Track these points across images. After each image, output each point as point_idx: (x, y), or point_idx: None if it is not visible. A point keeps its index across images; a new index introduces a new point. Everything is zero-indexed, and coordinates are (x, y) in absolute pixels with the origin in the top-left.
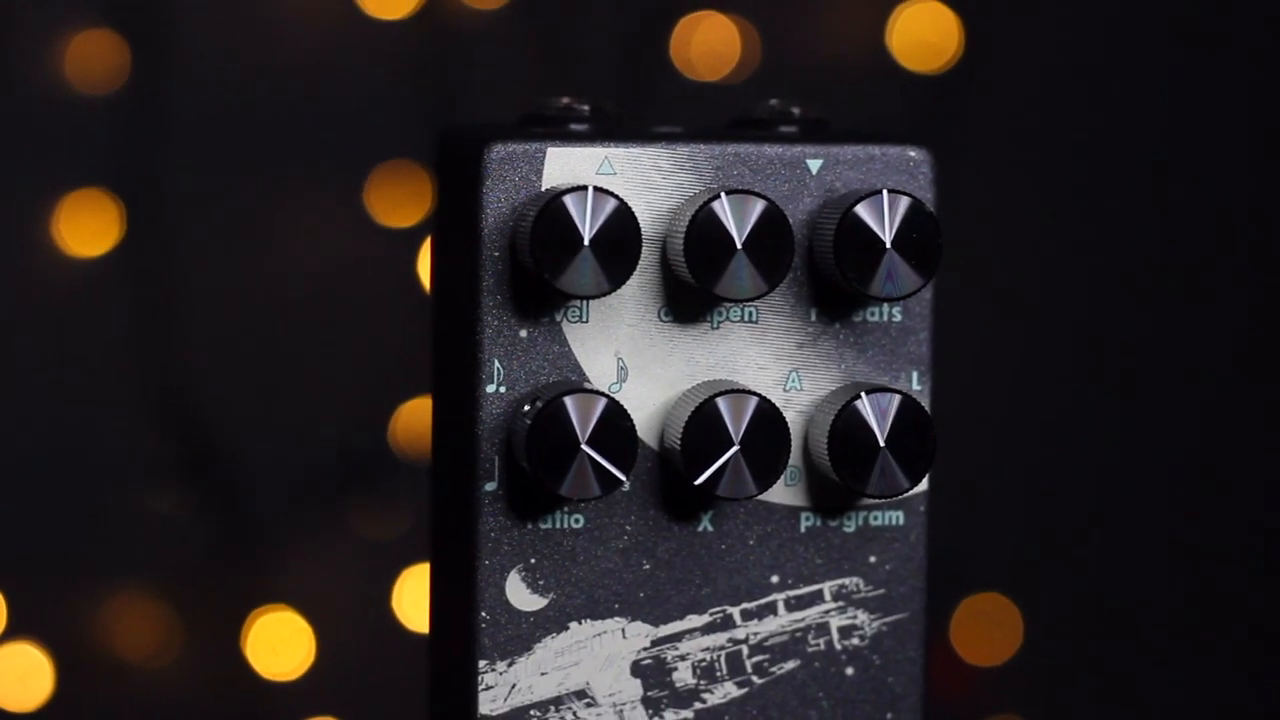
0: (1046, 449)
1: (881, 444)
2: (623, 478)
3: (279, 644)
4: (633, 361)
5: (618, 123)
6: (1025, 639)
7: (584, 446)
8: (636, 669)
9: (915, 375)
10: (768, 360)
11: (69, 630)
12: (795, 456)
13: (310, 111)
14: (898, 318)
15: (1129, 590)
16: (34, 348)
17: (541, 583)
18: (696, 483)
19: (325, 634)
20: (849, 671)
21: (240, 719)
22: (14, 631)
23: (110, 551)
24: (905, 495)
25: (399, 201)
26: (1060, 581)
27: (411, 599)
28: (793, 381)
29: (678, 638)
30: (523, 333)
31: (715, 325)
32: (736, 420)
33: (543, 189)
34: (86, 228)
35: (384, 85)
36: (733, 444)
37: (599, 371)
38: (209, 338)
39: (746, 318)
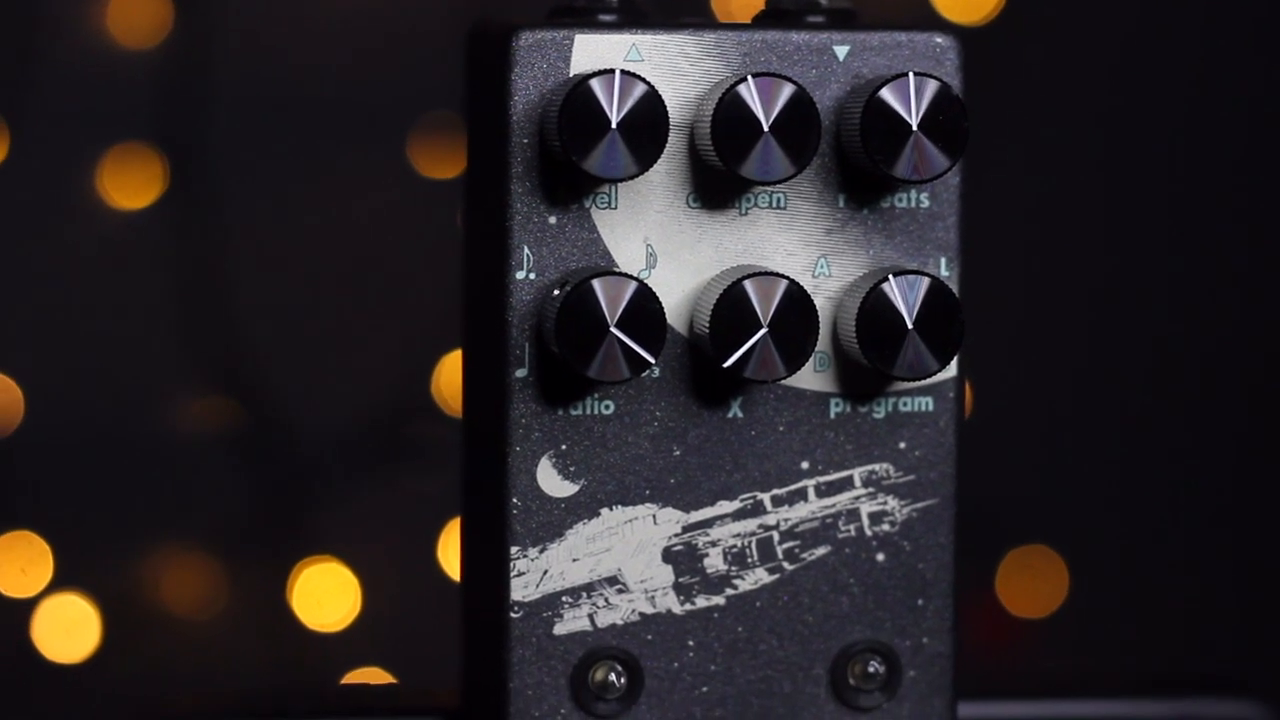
0: (1087, 401)
1: (910, 326)
2: (651, 360)
3: (324, 595)
4: (661, 248)
5: (645, 15)
6: (1070, 591)
7: (613, 329)
8: (668, 555)
9: (943, 261)
10: (796, 247)
11: (116, 582)
12: (824, 342)
13: (352, 64)
14: (925, 204)
15: (1173, 541)
16: (78, 301)
17: (572, 469)
18: (725, 365)
19: (370, 585)
20: (880, 558)
21: (286, 670)
22: (61, 583)
23: (157, 504)
24: (934, 380)
25: (442, 153)
26: (1105, 533)
27: (456, 550)
28: (821, 268)
29: (709, 524)
30: (552, 219)
31: (743, 212)
32: (765, 302)
33: (570, 75)
34: (131, 181)
35: (427, 36)
36: (761, 326)
37: (628, 258)
38: (252, 291)
39: (774, 204)
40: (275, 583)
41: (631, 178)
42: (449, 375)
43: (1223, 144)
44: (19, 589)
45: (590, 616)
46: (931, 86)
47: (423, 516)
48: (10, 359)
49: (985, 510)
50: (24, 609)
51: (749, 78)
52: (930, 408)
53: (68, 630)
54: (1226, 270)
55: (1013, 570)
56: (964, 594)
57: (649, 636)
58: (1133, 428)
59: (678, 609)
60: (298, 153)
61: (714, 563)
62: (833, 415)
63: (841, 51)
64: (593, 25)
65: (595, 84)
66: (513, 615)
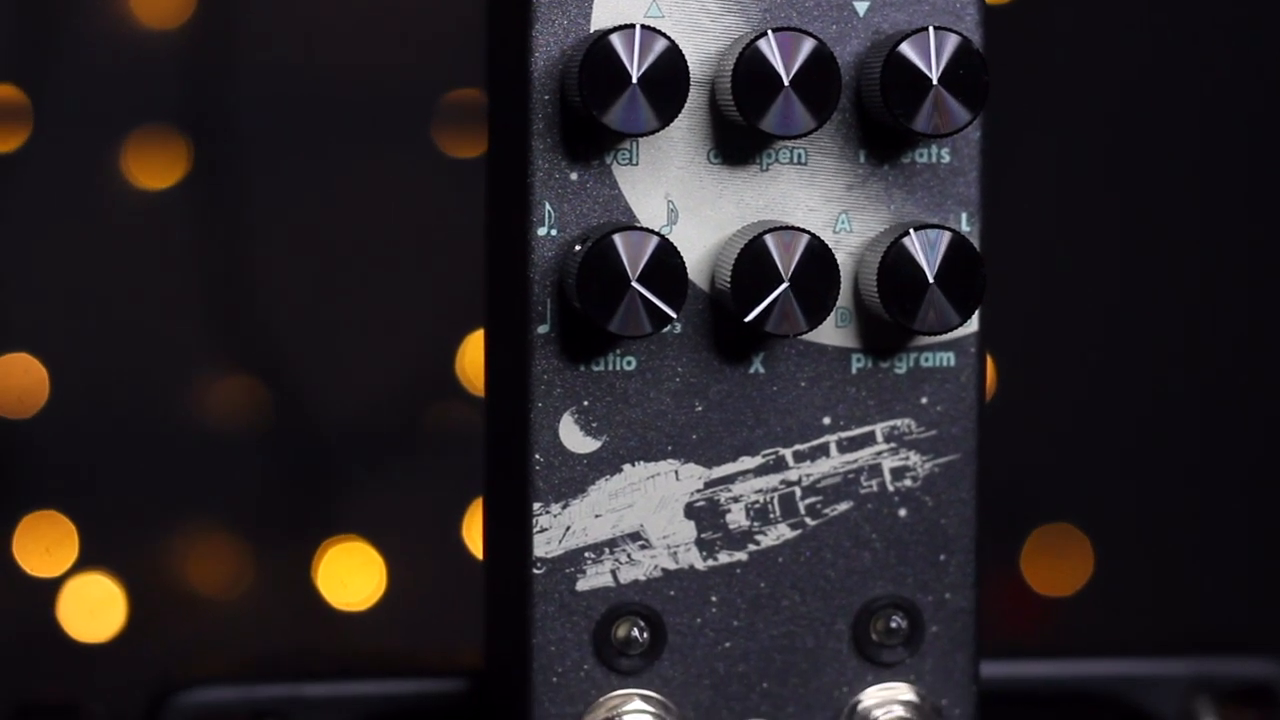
0: (1111, 380)
1: (931, 280)
2: (673, 314)
3: (349, 575)
4: (683, 204)
5: None
6: (1095, 569)
7: (634, 283)
8: (690, 511)
9: (964, 216)
10: (817, 202)
11: (141, 562)
12: (845, 298)
13: (377, 44)
14: (946, 159)
15: (1199, 520)
16: (102, 282)
17: (594, 425)
18: (746, 320)
19: (395, 565)
20: (902, 513)
21: (311, 649)
22: (86, 562)
23: (181, 484)
24: (955, 335)
25: (467, 133)
26: (1130, 512)
27: (480, 529)
28: (842, 223)
29: (731, 479)
30: (573, 175)
31: (764, 167)
32: (786, 257)
33: (591, 31)
34: (155, 162)
35: (452, 15)
36: (782, 280)
37: (649, 214)
38: (277, 273)
39: (795, 160)
40: (300, 562)
41: (652, 132)
42: (473, 355)
43: (1250, 111)
44: (44, 569)
45: (613, 572)
46: (952, 41)
47: (447, 496)
48: (34, 340)
49: (1010, 489)
50: (49, 589)
51: (769, 33)
52: (952, 363)
53: (93, 610)
54: (1256, 244)
55: (1037, 548)
56: (989, 572)
57: (671, 592)
58: (1158, 407)
59: (700, 565)
60: (321, 133)
61: (736, 518)
62: (854, 371)
63: (861, 7)
64: None
65: (616, 39)
66: (535, 572)
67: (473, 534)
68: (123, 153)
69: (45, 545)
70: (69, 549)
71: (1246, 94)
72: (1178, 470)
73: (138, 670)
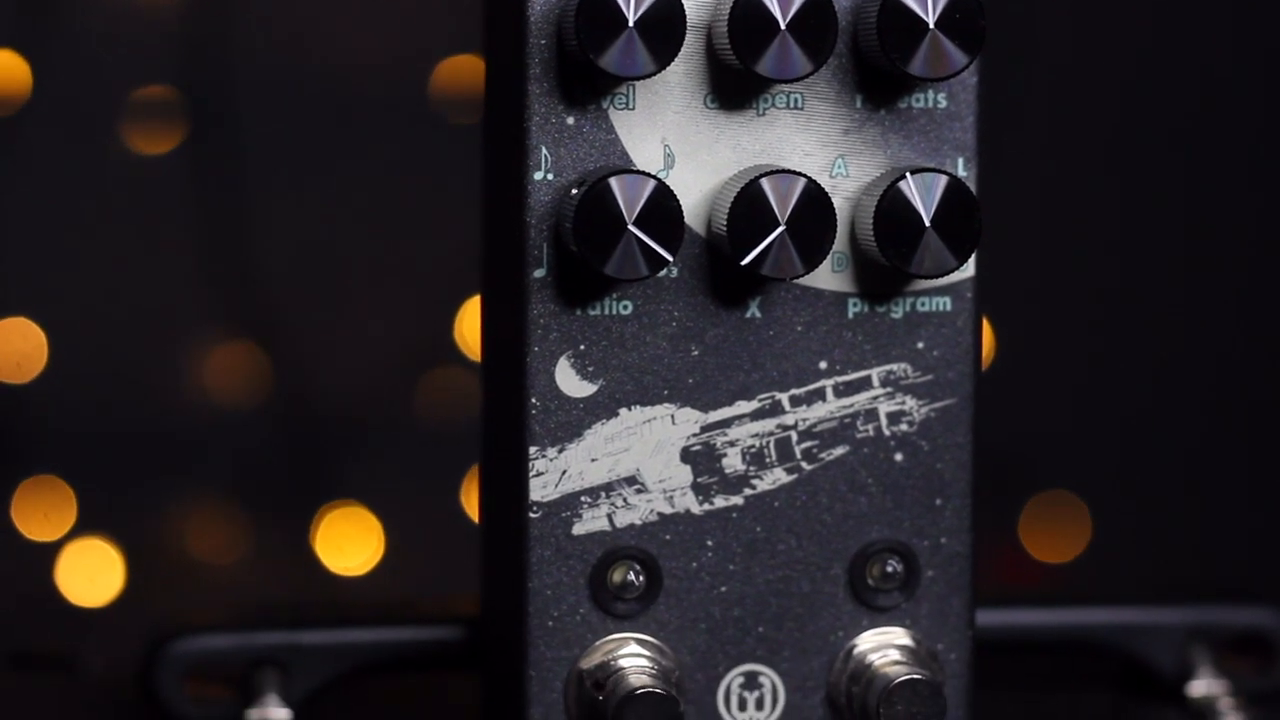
0: (1109, 345)
1: (927, 223)
2: (669, 257)
3: (347, 540)
4: (679, 148)
5: None
6: (1093, 536)
7: (631, 226)
8: (686, 455)
9: (961, 161)
10: (813, 147)
11: (139, 527)
12: (842, 242)
13: (374, 7)
14: (943, 104)
15: (1196, 488)
16: (101, 246)
17: (591, 369)
18: (743, 263)
19: (393, 530)
20: (898, 457)
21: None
22: (84, 527)
23: (180, 448)
24: (952, 280)
25: (465, 97)
26: (1127, 479)
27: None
28: (839, 168)
29: (727, 424)
30: (570, 120)
31: (761, 112)
32: (782, 200)
33: None
34: (152, 127)
35: None
36: (779, 224)
37: (646, 158)
38: (273, 236)
39: (792, 104)
40: (299, 527)
41: (649, 76)
42: (471, 322)
43: (1245, 76)
44: (43, 533)
45: (609, 516)
46: None
47: (445, 462)
48: (32, 305)
49: (1009, 457)
50: (48, 552)
51: None
52: (948, 307)
53: (91, 575)
54: (1259, 209)
55: (1035, 515)
56: (987, 539)
57: (667, 536)
58: (1156, 376)
59: (696, 509)
60: (319, 98)
61: (732, 463)
62: (851, 315)
63: None
64: None
65: None
66: (532, 515)
67: (471, 499)
68: (121, 119)
69: (44, 510)
70: (67, 514)
71: (1250, 59)
72: (1176, 438)
73: (136, 634)
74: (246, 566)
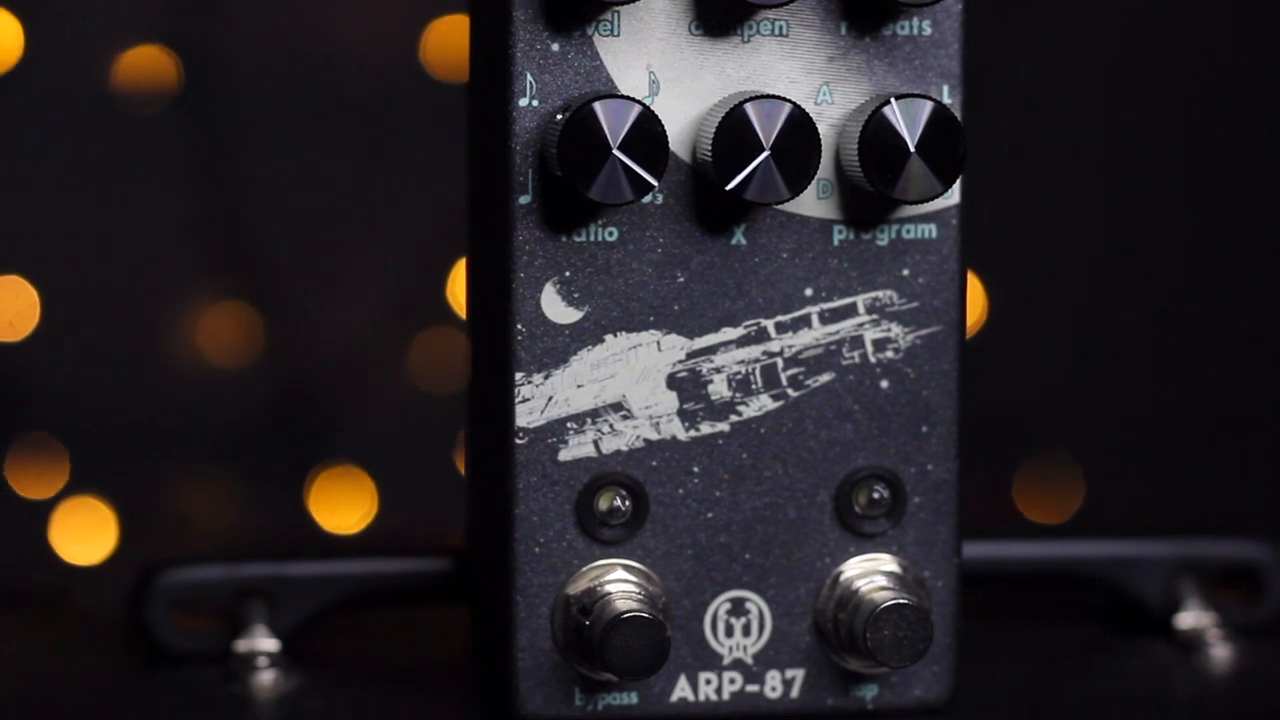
0: (1102, 307)
1: (912, 149)
2: (653, 181)
3: (341, 500)
4: (664, 75)
5: None
6: (1087, 497)
7: (615, 151)
8: (672, 381)
9: (945, 89)
10: (798, 74)
11: (133, 486)
12: (827, 170)
13: None
14: (927, 31)
15: (1191, 448)
16: (92, 204)
17: (576, 295)
18: (728, 188)
19: (387, 489)
20: (884, 384)
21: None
22: (77, 486)
23: (174, 408)
24: (937, 206)
25: (457, 59)
26: (1122, 441)
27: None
28: (824, 95)
29: (712, 350)
30: (555, 46)
31: (746, 39)
32: (767, 125)
33: None
34: (144, 84)
35: None
36: (764, 149)
37: (630, 85)
38: (266, 197)
39: (777, 31)
40: (292, 487)
41: (633, 1)
42: (463, 280)
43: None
44: (36, 491)
45: (595, 443)
46: None
47: (439, 421)
48: (25, 262)
49: (1002, 419)
50: (42, 510)
51: None
52: (934, 234)
53: (84, 534)
54: (1257, 170)
55: (1029, 476)
56: (981, 501)
57: (653, 463)
58: (1151, 336)
59: (682, 435)
60: (310, 55)
61: (718, 389)
62: (836, 242)
63: None
64: None
65: None
66: (518, 441)
67: (463, 459)
68: (114, 75)
69: (37, 469)
70: (60, 472)
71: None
72: (1170, 400)
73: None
74: (240, 525)
